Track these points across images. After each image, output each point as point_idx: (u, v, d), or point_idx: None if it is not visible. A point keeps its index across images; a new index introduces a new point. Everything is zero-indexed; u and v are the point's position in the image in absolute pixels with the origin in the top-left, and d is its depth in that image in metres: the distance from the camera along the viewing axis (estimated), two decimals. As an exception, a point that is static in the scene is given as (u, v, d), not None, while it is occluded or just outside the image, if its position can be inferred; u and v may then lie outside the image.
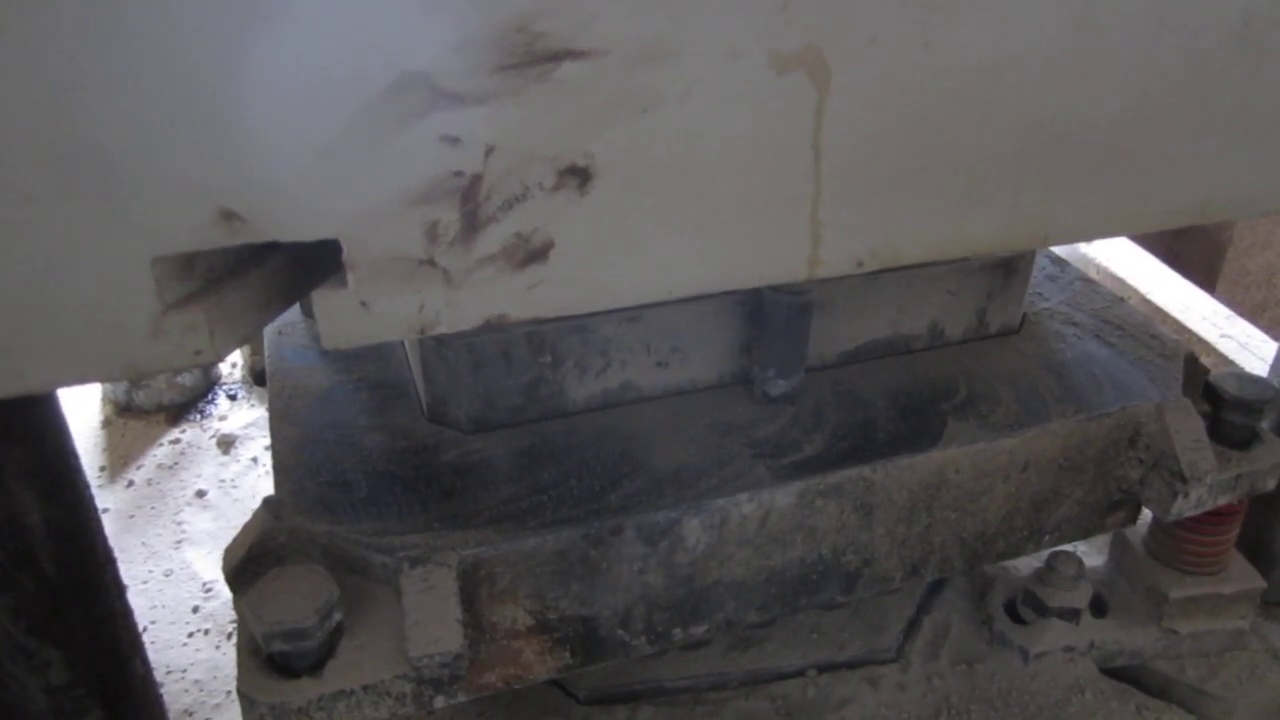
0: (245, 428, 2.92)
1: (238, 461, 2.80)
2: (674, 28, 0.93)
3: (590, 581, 1.35)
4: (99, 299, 0.87)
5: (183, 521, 2.59)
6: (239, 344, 0.97)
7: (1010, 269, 1.69)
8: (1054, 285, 1.93)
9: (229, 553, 1.30)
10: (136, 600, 2.26)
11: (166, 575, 2.41)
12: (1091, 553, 2.16)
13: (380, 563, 1.26)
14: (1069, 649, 1.82)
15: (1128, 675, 1.87)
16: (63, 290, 0.86)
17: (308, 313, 1.71)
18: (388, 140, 0.89)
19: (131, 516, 2.60)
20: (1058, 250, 2.12)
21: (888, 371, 1.64)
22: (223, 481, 2.73)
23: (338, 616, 1.20)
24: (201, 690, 2.10)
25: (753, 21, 0.96)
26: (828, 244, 1.12)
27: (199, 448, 2.86)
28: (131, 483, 2.73)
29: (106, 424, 2.95)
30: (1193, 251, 3.66)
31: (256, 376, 3.09)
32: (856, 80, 1.03)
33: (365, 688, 1.19)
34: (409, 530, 1.29)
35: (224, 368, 3.15)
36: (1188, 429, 1.57)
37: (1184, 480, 1.55)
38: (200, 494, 2.68)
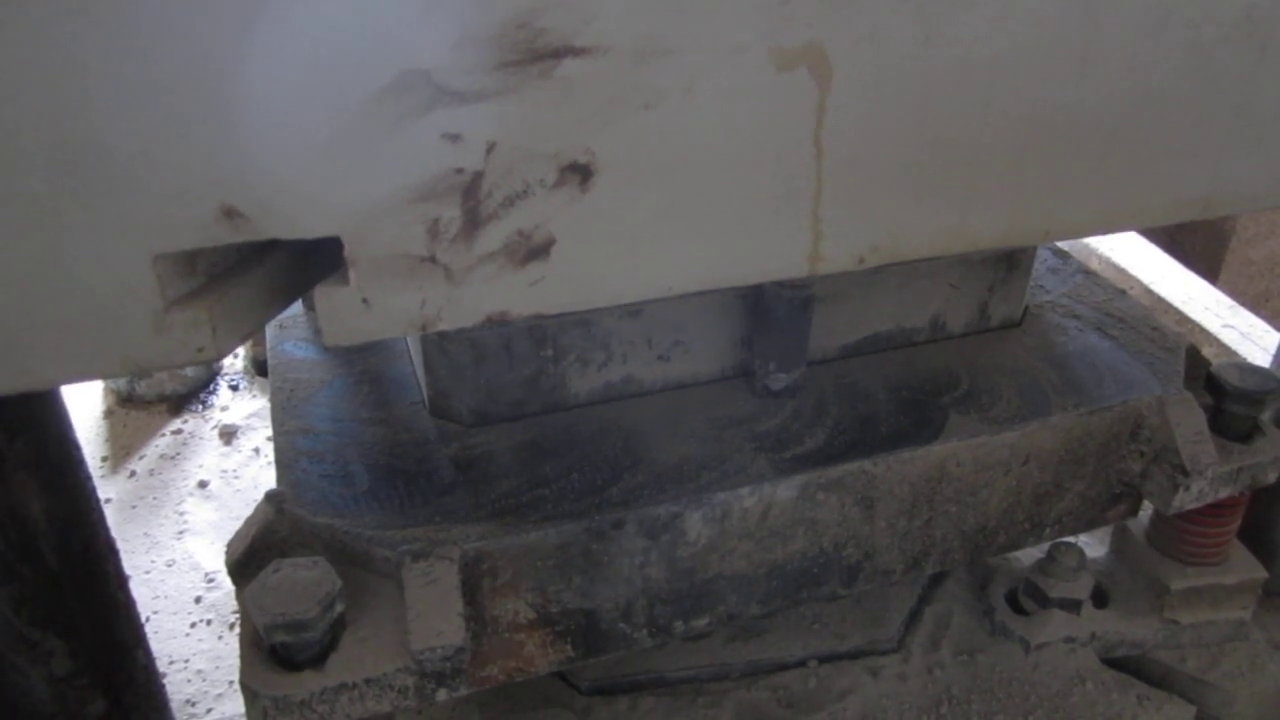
0: (247, 418, 2.92)
1: (239, 452, 2.81)
2: (676, 25, 0.93)
3: (592, 575, 1.35)
4: (101, 296, 0.87)
5: (185, 512, 2.59)
6: (241, 341, 0.97)
7: (1012, 262, 1.69)
8: (1056, 278, 1.93)
9: (231, 546, 1.31)
10: (139, 590, 2.27)
11: (169, 565, 2.42)
12: (1093, 543, 2.16)
13: (382, 556, 1.26)
14: (1070, 639, 1.82)
15: (1129, 666, 1.87)
16: (65, 287, 0.86)
17: (310, 306, 1.70)
18: (389, 137, 0.88)
19: (134, 507, 2.61)
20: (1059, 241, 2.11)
21: (889, 365, 1.64)
22: (225, 472, 2.73)
23: (340, 608, 1.20)
24: (204, 680, 2.10)
25: (754, 18, 0.95)
26: (829, 240, 1.11)
27: (201, 438, 2.87)
28: (134, 473, 2.73)
29: (109, 414, 2.95)
30: (1195, 242, 3.66)
31: (258, 367, 3.09)
32: (858, 76, 1.03)
33: (367, 680, 1.20)
34: (411, 524, 1.29)
35: (226, 359, 3.15)
36: (1189, 422, 1.57)
37: (1185, 473, 1.55)
38: (202, 484, 2.69)
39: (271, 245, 0.94)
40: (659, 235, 1.04)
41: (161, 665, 2.07)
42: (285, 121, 0.86)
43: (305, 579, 1.19)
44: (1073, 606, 1.83)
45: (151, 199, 0.85)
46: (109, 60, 0.79)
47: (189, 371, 2.99)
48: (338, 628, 1.22)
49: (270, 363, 1.64)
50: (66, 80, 0.79)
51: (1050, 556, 1.84)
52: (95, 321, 0.88)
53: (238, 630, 1.70)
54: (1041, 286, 1.89)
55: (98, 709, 1.26)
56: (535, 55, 0.90)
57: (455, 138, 0.91)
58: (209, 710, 2.04)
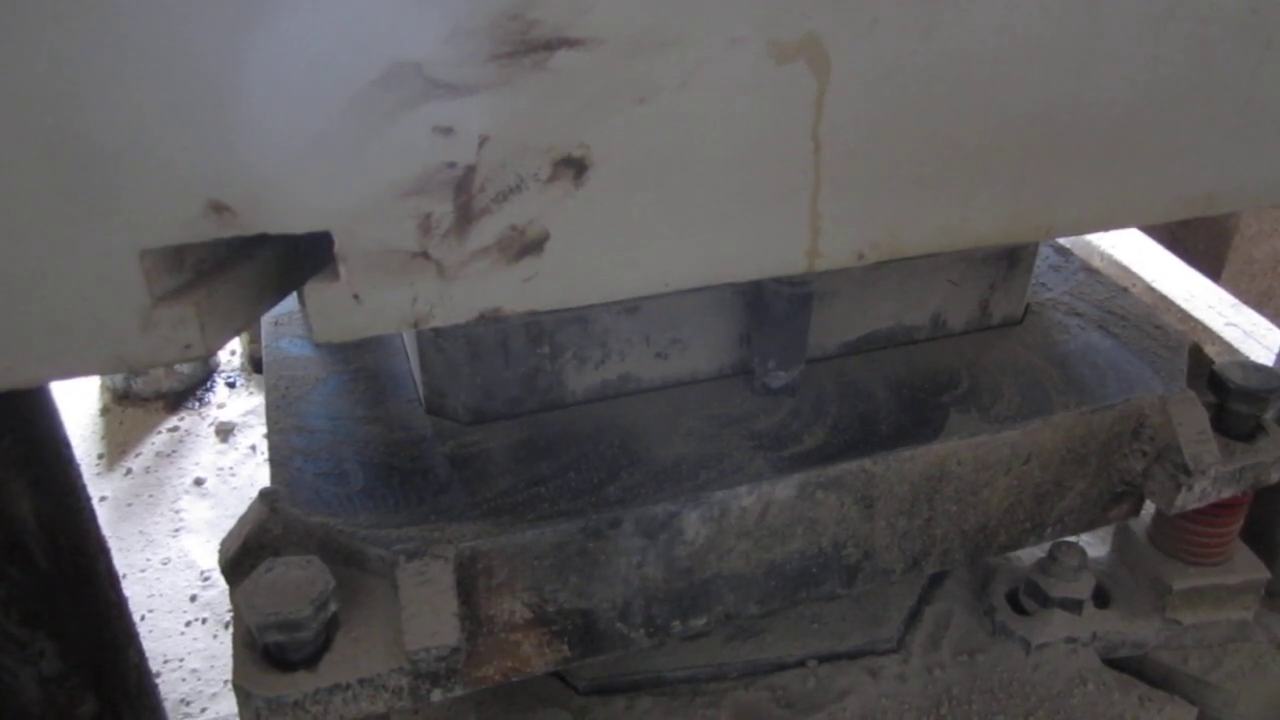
0: (244, 416, 2.91)
1: (236, 449, 2.80)
2: (672, 16, 0.92)
3: (588, 574, 1.34)
4: (88, 292, 0.86)
5: (181, 510, 2.59)
6: (230, 337, 0.96)
7: (1013, 259, 1.67)
8: (1057, 275, 1.91)
9: (225, 545, 1.30)
10: (134, 589, 2.27)
11: (164, 564, 2.41)
12: (1094, 543, 2.15)
13: (376, 555, 1.25)
14: (1071, 640, 1.81)
15: (1130, 666, 1.86)
16: (51, 284, 0.85)
17: (304, 303, 1.69)
18: (380, 131, 0.87)
19: (129, 505, 2.60)
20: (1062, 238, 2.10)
21: (889, 363, 1.63)
22: (221, 470, 2.72)
23: (333, 608, 1.19)
24: (199, 679, 2.10)
25: (752, 9, 0.94)
26: (827, 236, 1.10)
27: (197, 435, 2.86)
28: (130, 471, 2.72)
29: (105, 412, 2.94)
30: (1198, 239, 3.65)
31: (255, 364, 3.09)
32: (857, 69, 1.01)
33: (361, 681, 1.19)
34: (405, 523, 1.28)
35: (223, 355, 3.14)
36: (1192, 421, 1.56)
37: (1188, 473, 1.54)
38: (198, 482, 2.68)
39: (260, 240, 0.92)
40: (655, 230, 1.03)
41: (156, 664, 2.07)
42: (274, 115, 0.85)
43: (298, 578, 1.18)
44: (1074, 606, 1.81)
45: (138, 194, 0.84)
46: (96, 55, 0.78)
47: (185, 368, 2.99)
48: (331, 627, 1.21)
49: (265, 360, 1.63)
50: (54, 76, 0.78)
51: (1051, 556, 1.82)
52: (82, 318, 0.87)
53: (232, 629, 1.69)
54: (1043, 284, 1.87)
55: (89, 709, 1.25)
56: (528, 47, 0.88)
57: (447, 131, 0.90)
58: (203, 710, 2.03)
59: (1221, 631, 1.87)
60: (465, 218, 0.94)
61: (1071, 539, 1.81)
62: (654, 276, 1.07)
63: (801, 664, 1.82)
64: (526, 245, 0.98)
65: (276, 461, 1.39)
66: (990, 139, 1.12)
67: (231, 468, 2.73)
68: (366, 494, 1.33)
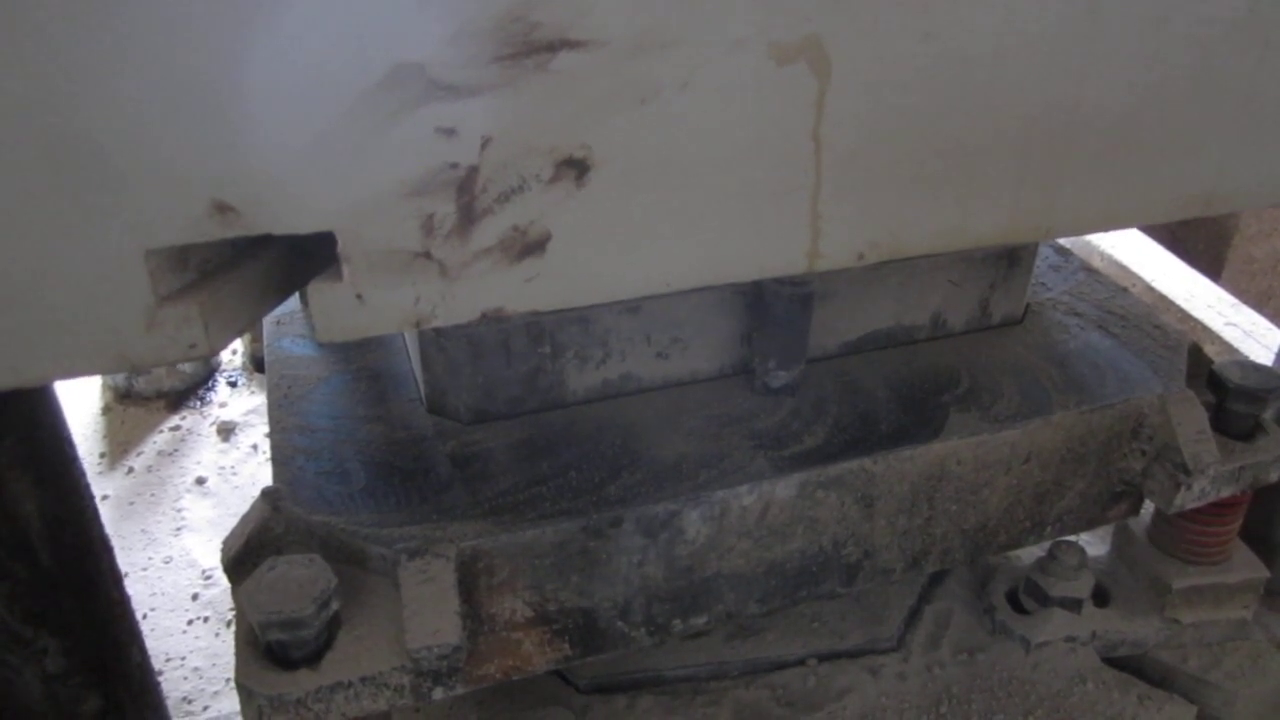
0: (245, 415, 2.92)
1: (237, 449, 2.80)
2: (673, 17, 0.92)
3: (589, 573, 1.34)
4: (93, 292, 0.86)
5: (182, 509, 2.59)
6: (235, 336, 0.97)
7: (1013, 259, 1.68)
8: (1057, 275, 1.92)
9: (227, 543, 1.30)
10: (136, 587, 2.28)
11: (166, 562, 2.41)
12: (1094, 542, 2.15)
13: (378, 554, 1.25)
14: (1071, 639, 1.81)
15: (1130, 665, 1.86)
16: (56, 284, 0.85)
17: (306, 303, 1.70)
18: (383, 132, 0.88)
19: (131, 503, 2.60)
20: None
21: (889, 362, 1.63)
22: (222, 469, 2.73)
23: (335, 606, 1.19)
24: (200, 678, 2.10)
25: (753, 11, 0.95)
26: (828, 236, 1.11)
27: (199, 435, 2.86)
28: (131, 470, 2.73)
29: (106, 411, 2.95)
30: (1198, 239, 3.65)
31: (257, 363, 3.09)
32: (857, 71, 1.02)
33: (363, 679, 1.19)
34: (407, 521, 1.28)
35: (224, 355, 3.15)
36: (1191, 420, 1.56)
37: (1187, 472, 1.54)
38: (200, 481, 2.68)
39: (265, 240, 0.93)
40: (656, 231, 1.03)
41: (158, 662, 2.07)
42: (278, 116, 0.85)
43: (301, 577, 1.19)
44: (1074, 605, 1.82)
45: (143, 194, 0.84)
46: (99, 55, 0.78)
47: (187, 368, 2.99)
48: (333, 626, 1.21)
49: (267, 359, 1.63)
50: (58, 76, 0.78)
51: (1051, 555, 1.83)
52: (87, 318, 0.87)
53: (234, 630, 1.70)
54: (1043, 284, 1.88)
55: (91, 707, 1.25)
56: (531, 48, 0.89)
57: (450, 132, 0.90)
58: (205, 708, 2.03)
59: (1221, 630, 1.88)
60: (468, 218, 0.95)
61: (1071, 538, 1.81)
62: (655, 277, 1.07)
63: (802, 663, 1.83)
64: (528, 245, 0.99)
65: (278, 460, 1.39)
66: (990, 139, 1.12)
67: (233, 467, 2.74)
68: (368, 493, 1.33)
